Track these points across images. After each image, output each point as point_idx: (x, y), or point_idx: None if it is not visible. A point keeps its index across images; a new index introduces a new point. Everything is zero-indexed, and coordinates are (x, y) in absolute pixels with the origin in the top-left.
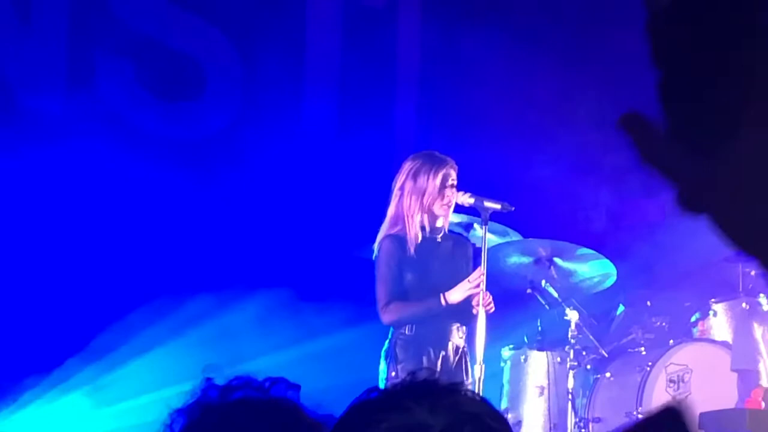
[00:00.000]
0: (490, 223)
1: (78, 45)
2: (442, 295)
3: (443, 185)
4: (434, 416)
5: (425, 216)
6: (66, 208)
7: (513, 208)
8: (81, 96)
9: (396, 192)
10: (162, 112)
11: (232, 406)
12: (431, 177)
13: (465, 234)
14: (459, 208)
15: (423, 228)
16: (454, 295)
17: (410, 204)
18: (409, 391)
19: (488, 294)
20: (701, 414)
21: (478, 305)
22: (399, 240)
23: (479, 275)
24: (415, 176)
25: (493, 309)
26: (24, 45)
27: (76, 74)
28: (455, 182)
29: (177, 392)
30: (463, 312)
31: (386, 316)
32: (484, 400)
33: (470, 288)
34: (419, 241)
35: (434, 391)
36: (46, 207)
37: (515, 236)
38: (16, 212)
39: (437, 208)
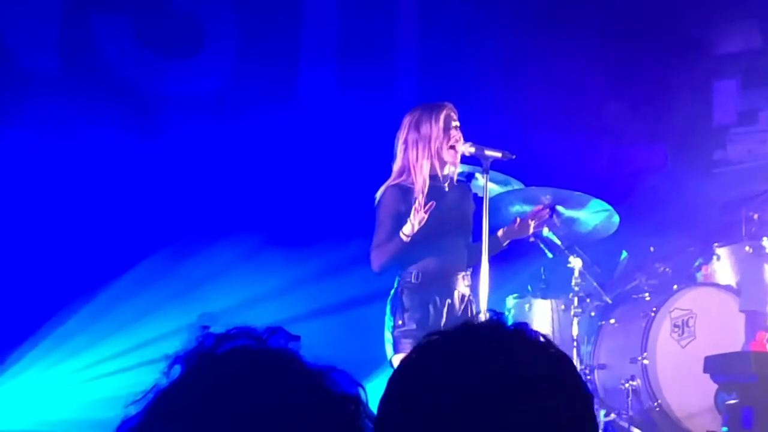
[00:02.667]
0: (491, 172)
1: (73, 3)
2: (401, 232)
3: (447, 127)
4: (494, 359)
5: (435, 162)
6: (67, 166)
7: (514, 156)
8: (77, 54)
9: (400, 146)
10: (160, 69)
11: (229, 354)
12: (433, 122)
13: (467, 183)
14: (461, 158)
15: (433, 176)
16: (407, 228)
17: (417, 153)
18: (470, 335)
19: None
20: (706, 358)
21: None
22: (403, 190)
23: (426, 203)
24: (417, 125)
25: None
26: (19, 5)
27: (71, 33)
28: (458, 124)
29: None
30: (469, 258)
31: (372, 264)
32: (546, 341)
33: (417, 216)
34: (426, 189)
35: (496, 335)
36: (48, 166)
37: (517, 185)
38: (20, 172)
39: (445, 153)
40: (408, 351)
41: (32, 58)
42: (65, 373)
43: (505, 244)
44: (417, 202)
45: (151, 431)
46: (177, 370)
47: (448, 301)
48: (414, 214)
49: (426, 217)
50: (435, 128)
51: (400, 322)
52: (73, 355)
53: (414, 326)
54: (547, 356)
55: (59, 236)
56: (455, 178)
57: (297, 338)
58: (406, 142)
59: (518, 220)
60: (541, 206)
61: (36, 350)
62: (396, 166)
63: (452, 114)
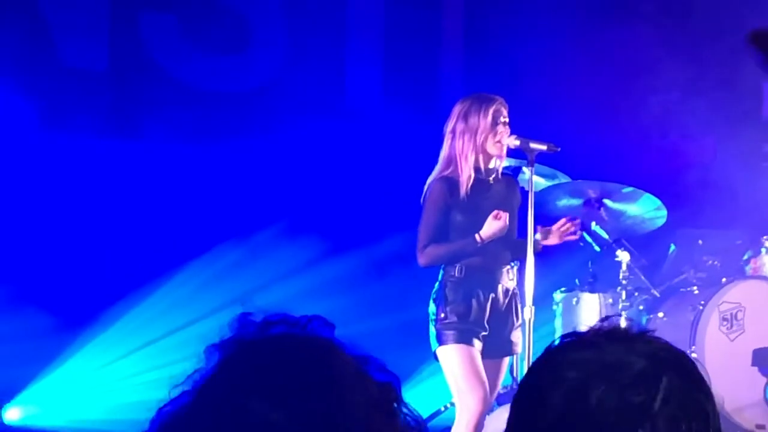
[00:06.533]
0: (538, 166)
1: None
2: (477, 234)
3: (495, 122)
4: (633, 356)
5: (480, 156)
6: (112, 163)
7: (559, 149)
8: (125, 52)
9: (447, 135)
10: (207, 66)
11: (268, 341)
12: (482, 115)
13: (513, 176)
14: (507, 151)
15: (477, 169)
16: (485, 231)
17: (463, 144)
18: (605, 334)
19: (570, 222)
20: (755, 351)
21: (558, 230)
22: (449, 182)
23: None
24: (466, 116)
25: (575, 237)
26: (66, 2)
27: (119, 30)
28: (507, 120)
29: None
30: (512, 253)
31: (422, 259)
32: (676, 348)
33: (497, 222)
34: (472, 182)
35: (629, 335)
36: (94, 163)
37: (564, 178)
38: (67, 169)
39: (490, 147)
40: (450, 342)
41: (80, 57)
42: (114, 373)
43: (539, 248)
44: (495, 212)
45: (190, 416)
46: (215, 357)
47: (492, 295)
48: (493, 222)
49: (505, 224)
50: (483, 121)
51: (442, 315)
52: (124, 358)
53: (456, 319)
54: (682, 361)
55: (110, 235)
56: (500, 171)
57: (332, 326)
58: (453, 131)
59: (539, 229)
60: (563, 221)
61: (86, 349)
62: (442, 156)
63: (502, 109)
